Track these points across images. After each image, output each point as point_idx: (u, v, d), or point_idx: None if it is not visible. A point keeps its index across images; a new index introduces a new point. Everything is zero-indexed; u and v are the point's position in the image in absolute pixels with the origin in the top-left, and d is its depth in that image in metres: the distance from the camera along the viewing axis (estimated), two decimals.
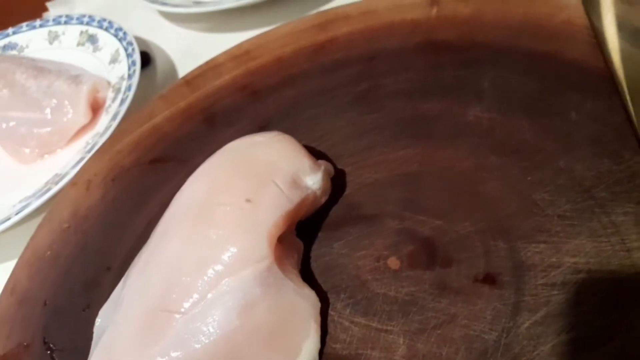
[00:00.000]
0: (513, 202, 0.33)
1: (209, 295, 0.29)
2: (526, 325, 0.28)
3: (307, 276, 0.33)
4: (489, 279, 0.31)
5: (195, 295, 0.29)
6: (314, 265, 0.34)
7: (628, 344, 0.27)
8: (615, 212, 0.31)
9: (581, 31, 0.40)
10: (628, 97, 0.36)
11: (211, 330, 0.28)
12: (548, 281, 0.30)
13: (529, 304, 0.29)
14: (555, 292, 0.29)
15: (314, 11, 0.55)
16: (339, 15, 0.49)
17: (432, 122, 0.39)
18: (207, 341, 0.28)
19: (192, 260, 0.30)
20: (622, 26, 0.40)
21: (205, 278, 0.29)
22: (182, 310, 0.28)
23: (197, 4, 0.62)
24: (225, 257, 0.29)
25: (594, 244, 0.30)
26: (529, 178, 0.34)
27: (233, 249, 0.30)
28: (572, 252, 0.30)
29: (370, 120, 0.41)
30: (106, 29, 0.60)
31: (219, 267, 0.29)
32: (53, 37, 0.64)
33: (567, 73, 0.38)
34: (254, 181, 0.32)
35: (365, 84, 0.44)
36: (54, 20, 0.65)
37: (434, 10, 0.46)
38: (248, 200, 0.31)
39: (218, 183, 0.33)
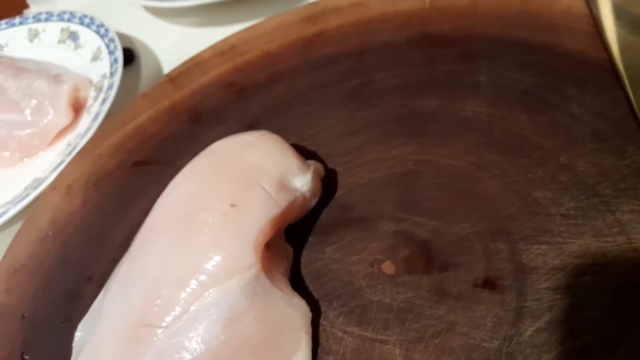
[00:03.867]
0: (513, 202, 0.32)
1: (193, 308, 0.27)
2: (529, 332, 0.27)
3: (298, 284, 0.32)
4: (489, 284, 0.29)
5: (178, 308, 0.27)
6: (304, 271, 0.33)
7: (635, 352, 0.25)
8: (621, 210, 0.29)
9: (581, 20, 0.39)
10: (629, 88, 0.34)
11: (195, 345, 0.26)
12: (551, 284, 0.28)
13: (531, 310, 0.28)
14: (559, 296, 0.28)
15: (303, 3, 0.53)
16: (328, 8, 0.47)
17: (427, 119, 0.38)
18: (190, 357, 0.26)
19: (174, 271, 0.28)
20: (621, 15, 0.38)
21: (188, 289, 0.27)
22: (164, 324, 0.27)
23: None
24: (209, 266, 0.28)
25: (600, 244, 0.29)
26: (529, 175, 0.32)
27: (217, 258, 0.28)
28: (576, 253, 0.29)
29: (362, 117, 0.40)
30: (87, 26, 0.58)
31: (202, 278, 0.27)
32: (33, 35, 0.62)
33: (566, 65, 0.37)
34: (239, 184, 0.30)
35: (356, 79, 0.42)
36: (34, 17, 0.63)
37: (428, 0, 0.44)
38: (233, 205, 0.29)
39: (201, 187, 0.31)
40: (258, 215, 0.29)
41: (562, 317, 0.27)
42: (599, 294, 0.27)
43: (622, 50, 0.36)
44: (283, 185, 0.31)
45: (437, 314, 0.29)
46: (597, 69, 0.36)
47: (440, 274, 0.30)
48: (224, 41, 0.48)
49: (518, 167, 0.33)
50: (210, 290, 0.27)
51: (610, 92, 0.34)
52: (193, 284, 0.27)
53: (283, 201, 0.30)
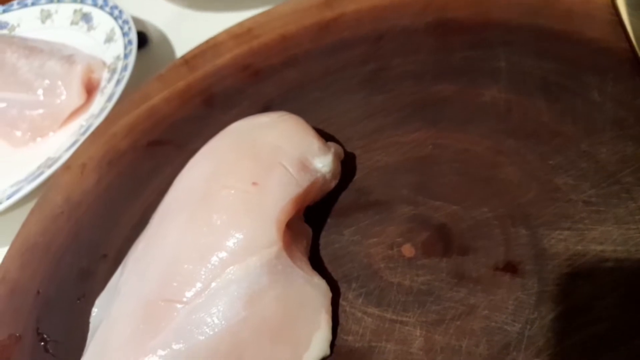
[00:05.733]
0: (534, 187, 0.31)
1: (213, 285, 0.27)
2: (551, 316, 0.27)
3: (317, 264, 0.31)
4: (510, 268, 0.29)
5: (199, 284, 0.27)
6: (323, 252, 0.32)
7: None
8: None
9: (601, 9, 0.38)
10: None
11: (215, 321, 0.26)
12: (573, 270, 0.28)
13: (553, 295, 0.27)
14: (580, 283, 0.27)
15: None
16: None
17: (445, 104, 0.37)
18: (211, 333, 0.26)
19: (195, 247, 0.28)
20: (637, 5, 0.38)
21: (209, 266, 0.27)
22: (184, 300, 0.27)
23: None
24: (231, 243, 0.28)
25: (622, 231, 0.28)
26: (549, 162, 0.32)
27: (239, 235, 0.28)
28: (598, 239, 0.29)
29: (379, 102, 0.39)
30: (101, 7, 0.57)
31: (223, 255, 0.27)
32: (45, 16, 0.62)
33: (586, 53, 0.37)
34: (260, 164, 0.30)
35: (373, 64, 0.42)
36: None
37: None
38: (254, 184, 0.29)
39: (221, 166, 0.31)
40: (280, 194, 0.29)
41: (583, 303, 0.27)
42: (619, 282, 0.27)
43: (636, 39, 0.36)
44: (304, 166, 0.31)
45: (458, 297, 0.29)
46: (618, 57, 0.35)
47: (460, 257, 0.30)
48: (240, 24, 0.48)
49: (537, 153, 0.33)
50: (231, 267, 0.27)
51: (631, 81, 0.34)
52: (214, 260, 0.27)
53: (304, 181, 0.30)
